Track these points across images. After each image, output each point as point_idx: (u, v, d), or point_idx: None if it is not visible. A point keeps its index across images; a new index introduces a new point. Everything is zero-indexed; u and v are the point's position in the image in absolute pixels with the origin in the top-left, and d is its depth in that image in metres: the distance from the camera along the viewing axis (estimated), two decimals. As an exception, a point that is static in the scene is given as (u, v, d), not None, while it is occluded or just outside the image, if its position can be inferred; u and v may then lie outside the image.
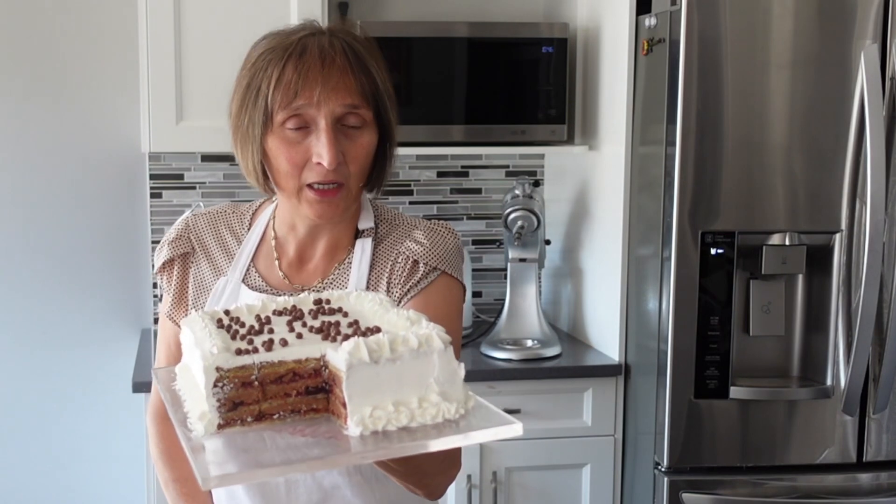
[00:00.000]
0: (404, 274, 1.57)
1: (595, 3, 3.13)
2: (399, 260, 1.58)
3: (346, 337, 1.20)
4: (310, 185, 1.50)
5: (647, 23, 2.82)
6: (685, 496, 2.75)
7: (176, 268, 1.65)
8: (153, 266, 1.68)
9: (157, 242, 3.06)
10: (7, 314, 3.25)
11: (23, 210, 3.23)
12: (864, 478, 2.80)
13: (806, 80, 2.68)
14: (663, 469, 2.78)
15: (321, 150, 1.46)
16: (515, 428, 1.14)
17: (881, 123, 2.64)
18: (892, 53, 2.67)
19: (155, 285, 3.19)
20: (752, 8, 2.65)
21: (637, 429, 2.94)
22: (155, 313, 3.22)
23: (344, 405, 1.14)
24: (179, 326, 1.60)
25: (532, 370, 2.96)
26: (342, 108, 1.47)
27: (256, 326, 1.27)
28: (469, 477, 2.90)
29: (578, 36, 3.22)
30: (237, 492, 1.58)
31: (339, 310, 1.32)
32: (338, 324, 1.26)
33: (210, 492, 1.64)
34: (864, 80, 2.64)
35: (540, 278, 3.32)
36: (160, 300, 1.72)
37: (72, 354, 3.29)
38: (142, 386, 2.70)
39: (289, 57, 1.47)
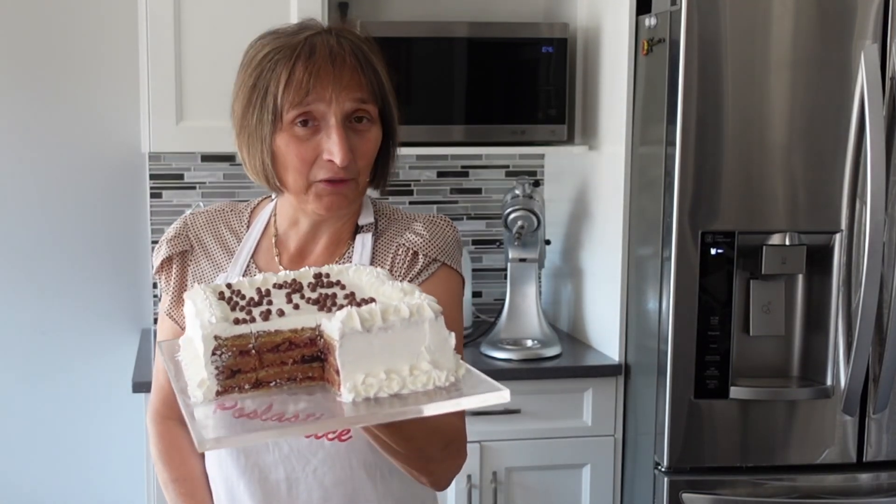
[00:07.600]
0: (404, 266, 1.58)
1: (595, 3, 3.14)
2: (399, 252, 1.59)
3: (342, 307, 1.21)
4: (319, 181, 1.51)
5: (647, 23, 2.83)
6: (685, 496, 2.74)
7: (174, 266, 1.65)
8: (152, 265, 1.69)
9: (158, 242, 3.07)
10: (7, 314, 3.25)
11: (22, 210, 3.23)
12: (864, 478, 2.80)
13: (806, 81, 2.68)
14: (663, 469, 2.77)
15: (332, 147, 1.47)
16: (503, 394, 1.18)
17: (881, 123, 2.64)
18: (892, 53, 2.67)
19: (155, 285, 3.20)
20: (752, 8, 2.65)
21: (637, 429, 2.93)
22: (155, 313, 3.22)
23: (337, 373, 1.16)
24: (178, 324, 1.62)
25: (532, 370, 2.96)
26: (352, 104, 1.48)
27: (256, 298, 1.30)
28: (469, 477, 2.89)
29: (578, 36, 3.22)
30: (237, 490, 1.58)
31: (338, 283, 1.34)
32: (334, 295, 1.28)
33: (210, 491, 1.64)
34: (864, 80, 2.64)
35: (540, 278, 3.31)
36: (160, 300, 1.72)
37: (72, 354, 3.29)
38: (142, 386, 2.69)
39: (297, 57, 1.48)
